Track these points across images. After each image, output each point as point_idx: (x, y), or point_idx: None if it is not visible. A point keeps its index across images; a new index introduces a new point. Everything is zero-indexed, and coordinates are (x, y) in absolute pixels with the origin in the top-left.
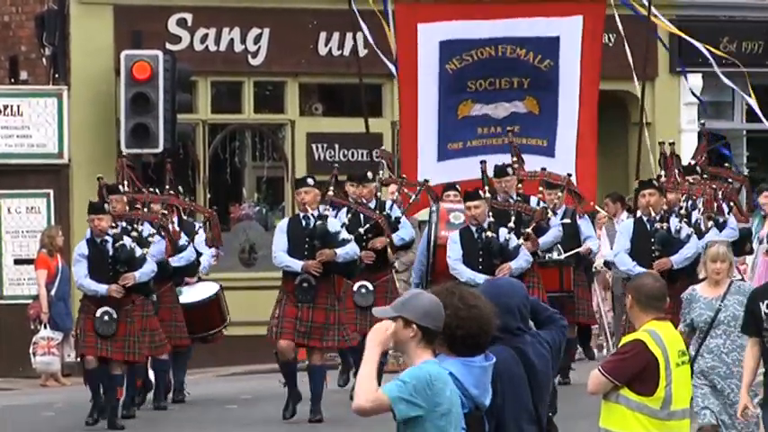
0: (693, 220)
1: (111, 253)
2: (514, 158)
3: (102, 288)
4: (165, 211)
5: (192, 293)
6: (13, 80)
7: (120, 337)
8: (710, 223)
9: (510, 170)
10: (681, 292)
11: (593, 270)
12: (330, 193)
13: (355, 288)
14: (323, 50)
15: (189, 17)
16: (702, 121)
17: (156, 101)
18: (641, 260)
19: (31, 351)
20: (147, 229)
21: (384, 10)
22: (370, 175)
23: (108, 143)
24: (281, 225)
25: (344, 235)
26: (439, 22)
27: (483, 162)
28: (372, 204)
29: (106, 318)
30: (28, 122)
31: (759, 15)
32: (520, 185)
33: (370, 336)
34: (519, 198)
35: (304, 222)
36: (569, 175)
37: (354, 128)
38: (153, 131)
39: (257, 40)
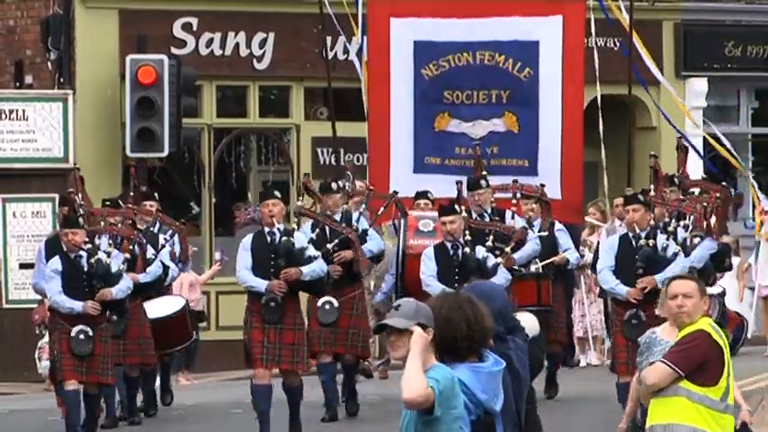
0: (681, 238)
1: (85, 269)
2: (484, 172)
3: (77, 305)
4: (140, 227)
5: (156, 308)
6: (18, 84)
7: (96, 356)
8: (697, 240)
9: (483, 182)
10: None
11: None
12: (300, 203)
13: (320, 304)
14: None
15: (194, 21)
16: (679, 135)
17: (161, 105)
18: (625, 278)
19: (36, 356)
20: (103, 242)
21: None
22: (334, 185)
23: (113, 147)
24: (245, 242)
25: (311, 251)
26: (413, 17)
27: (459, 182)
28: (338, 216)
29: (82, 336)
30: (33, 127)
31: (764, 20)
32: (493, 199)
33: (414, 340)
34: (493, 212)
35: (269, 238)
36: (542, 185)
37: (359, 132)
38: (158, 136)
39: (262, 44)
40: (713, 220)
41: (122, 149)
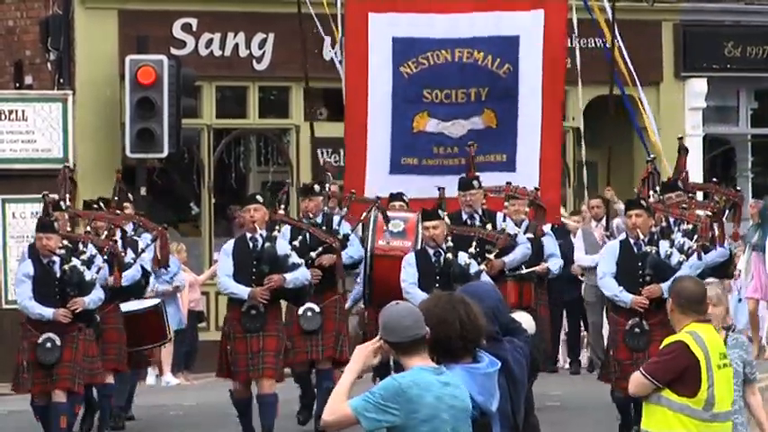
0: (677, 243)
1: (58, 275)
2: (476, 173)
3: (47, 312)
4: (116, 238)
5: (132, 305)
6: (17, 85)
7: (65, 363)
8: (695, 246)
9: (476, 183)
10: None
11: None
12: (281, 211)
13: (301, 311)
14: (327, 55)
15: (194, 22)
16: (680, 135)
17: (160, 106)
18: (628, 284)
19: None
20: (90, 249)
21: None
22: (317, 188)
23: (113, 148)
24: (227, 248)
25: (294, 259)
26: (391, 12)
27: (441, 188)
28: (319, 219)
29: (48, 345)
30: (33, 127)
31: (763, 20)
32: (484, 200)
33: (353, 356)
34: (484, 214)
35: (251, 244)
36: (536, 189)
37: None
38: (158, 136)
39: (262, 44)
40: (715, 225)
41: (122, 150)
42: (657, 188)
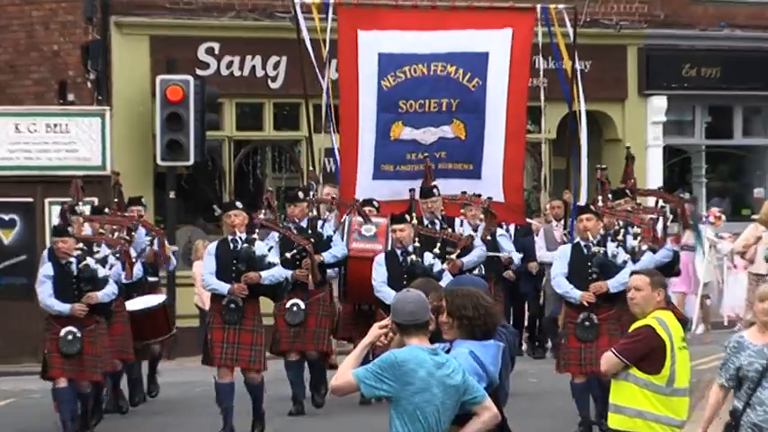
0: (628, 245)
1: (75, 273)
2: (434, 182)
3: (65, 308)
4: (127, 237)
5: (137, 303)
6: (61, 102)
7: (87, 356)
8: (645, 247)
9: (435, 191)
10: (618, 315)
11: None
12: (261, 216)
13: (288, 305)
14: (333, 75)
15: (216, 46)
16: (628, 145)
17: (187, 120)
18: (578, 283)
19: None
20: (103, 250)
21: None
22: (301, 195)
23: (145, 157)
24: (210, 248)
25: (271, 258)
26: (379, 30)
27: (412, 190)
28: (304, 223)
29: (70, 337)
30: (75, 139)
31: (716, 44)
32: (443, 207)
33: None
34: (443, 219)
35: (232, 245)
36: (490, 198)
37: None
38: (185, 146)
39: (276, 66)
40: (660, 227)
41: (153, 158)
42: (609, 195)
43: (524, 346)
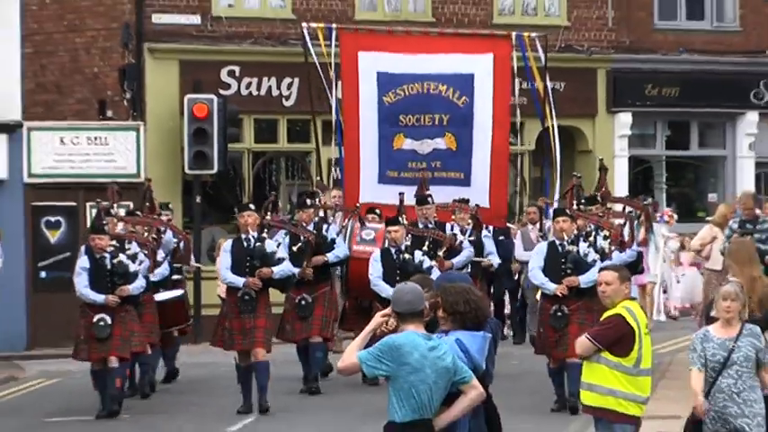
0: (598, 246)
1: (109, 267)
2: (428, 190)
3: (99, 297)
4: (155, 236)
5: (162, 295)
6: (101, 117)
7: (116, 337)
8: (614, 248)
9: (430, 200)
10: (587, 306)
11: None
12: (268, 217)
13: (297, 300)
14: (340, 94)
15: (237, 69)
16: (601, 157)
17: (211, 134)
18: (553, 276)
19: None
20: (133, 247)
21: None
22: (308, 201)
23: (175, 166)
24: (226, 246)
25: (280, 254)
26: (377, 51)
27: (401, 194)
28: (311, 227)
29: (101, 323)
30: (113, 150)
31: (675, 67)
32: (436, 213)
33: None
34: (436, 224)
35: (245, 243)
36: (477, 206)
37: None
38: (209, 157)
39: (289, 86)
40: (626, 231)
41: (182, 168)
42: (583, 200)
43: (510, 332)
